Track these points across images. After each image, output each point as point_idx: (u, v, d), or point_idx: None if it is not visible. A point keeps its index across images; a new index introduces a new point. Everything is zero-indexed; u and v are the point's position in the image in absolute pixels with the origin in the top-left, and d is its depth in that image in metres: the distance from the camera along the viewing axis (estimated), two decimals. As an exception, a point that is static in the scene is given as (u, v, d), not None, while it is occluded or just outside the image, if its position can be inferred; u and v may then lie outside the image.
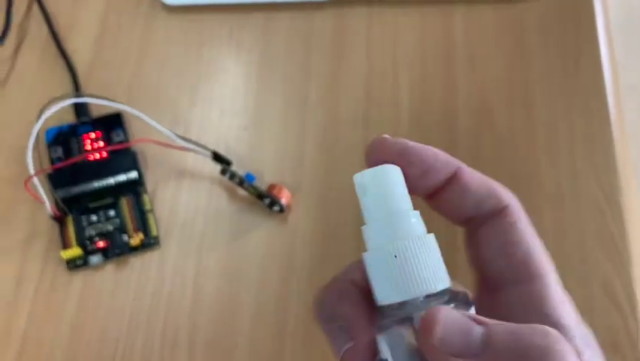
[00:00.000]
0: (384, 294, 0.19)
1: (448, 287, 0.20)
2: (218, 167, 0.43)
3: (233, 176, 0.42)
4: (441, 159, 0.21)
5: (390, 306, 0.19)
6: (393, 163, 0.21)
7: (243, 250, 0.42)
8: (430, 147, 0.22)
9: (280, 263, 0.42)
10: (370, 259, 0.20)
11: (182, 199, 0.43)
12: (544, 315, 0.20)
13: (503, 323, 0.18)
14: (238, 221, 0.43)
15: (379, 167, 0.21)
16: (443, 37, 0.51)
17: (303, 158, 0.45)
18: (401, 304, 0.19)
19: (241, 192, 0.43)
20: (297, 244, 0.42)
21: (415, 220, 0.20)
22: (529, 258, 0.21)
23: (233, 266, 0.41)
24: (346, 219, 0.43)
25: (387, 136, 0.22)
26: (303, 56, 0.49)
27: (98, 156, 0.42)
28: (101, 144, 0.43)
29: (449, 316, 0.18)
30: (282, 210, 0.42)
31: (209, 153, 0.42)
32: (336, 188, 0.44)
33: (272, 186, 0.42)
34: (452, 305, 0.19)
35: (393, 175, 0.21)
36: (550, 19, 0.52)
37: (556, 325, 0.20)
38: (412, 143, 0.21)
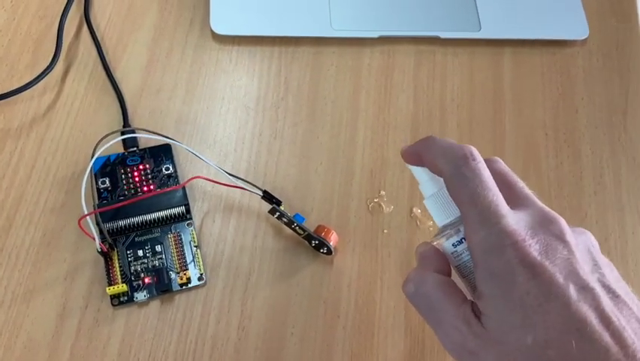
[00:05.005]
0: (441, 219, 0.31)
1: None
2: (265, 204, 0.42)
3: (282, 216, 0.41)
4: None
5: (444, 226, 0.30)
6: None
7: (289, 291, 0.41)
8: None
9: (325, 308, 0.41)
10: (429, 203, 0.31)
11: (229, 236, 0.42)
12: None
13: None
14: (283, 261, 0.42)
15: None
16: (491, 80, 0.51)
17: (349, 198, 0.45)
18: (450, 223, 0.30)
19: (286, 231, 0.43)
20: (342, 288, 0.42)
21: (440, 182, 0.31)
22: None
23: (278, 308, 0.41)
24: (393, 263, 0.43)
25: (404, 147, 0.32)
26: (352, 93, 0.49)
27: (146, 188, 0.42)
28: (149, 176, 0.43)
29: None
30: (329, 252, 0.42)
31: (259, 192, 0.42)
32: (384, 230, 0.44)
33: (320, 228, 0.42)
34: None
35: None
36: (596, 67, 0.52)
37: None
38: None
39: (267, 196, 0.42)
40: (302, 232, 0.41)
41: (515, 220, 0.26)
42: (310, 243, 0.42)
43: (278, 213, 0.41)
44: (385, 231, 0.44)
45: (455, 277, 0.30)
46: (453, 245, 0.29)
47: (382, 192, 0.45)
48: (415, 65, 0.50)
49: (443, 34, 0.51)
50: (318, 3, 0.51)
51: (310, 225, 0.42)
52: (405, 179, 0.46)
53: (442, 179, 0.30)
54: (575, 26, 0.53)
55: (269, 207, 0.41)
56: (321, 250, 0.42)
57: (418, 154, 0.31)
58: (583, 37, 0.52)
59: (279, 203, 0.42)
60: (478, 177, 0.27)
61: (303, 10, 0.50)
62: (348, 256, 0.43)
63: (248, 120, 0.47)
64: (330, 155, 0.46)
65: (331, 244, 0.41)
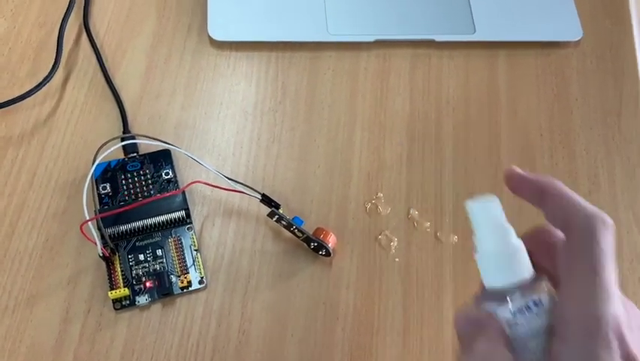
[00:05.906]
0: (498, 280, 0.27)
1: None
2: (264, 208, 0.43)
3: (280, 219, 0.42)
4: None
5: (498, 288, 0.26)
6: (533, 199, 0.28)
7: (288, 293, 0.42)
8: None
9: (325, 309, 0.42)
10: (489, 260, 0.27)
11: (229, 239, 0.43)
12: None
13: None
14: (282, 263, 0.43)
15: (486, 201, 0.28)
16: (486, 82, 0.51)
17: (347, 200, 0.45)
18: (509, 287, 0.26)
19: (285, 233, 0.43)
20: (341, 290, 0.42)
21: (508, 237, 0.27)
22: None
23: (278, 311, 0.41)
24: (391, 265, 0.43)
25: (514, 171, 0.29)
26: (349, 97, 0.49)
27: (146, 193, 0.42)
28: (150, 181, 0.43)
29: None
30: (328, 254, 0.42)
31: (258, 196, 0.42)
32: (382, 233, 0.44)
33: (319, 230, 0.42)
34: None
35: (495, 208, 0.28)
36: (590, 68, 0.53)
37: None
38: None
39: (266, 200, 0.42)
40: (301, 235, 0.42)
41: (622, 309, 0.25)
42: (309, 245, 0.42)
43: (277, 217, 0.42)
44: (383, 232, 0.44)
45: None
46: (512, 314, 0.26)
47: (380, 194, 0.46)
48: (410, 68, 0.51)
49: (438, 38, 0.51)
50: (315, 8, 0.51)
51: (309, 227, 0.43)
52: (402, 181, 0.46)
53: (509, 234, 0.27)
54: (568, 28, 0.53)
55: (268, 210, 0.42)
56: (320, 252, 0.43)
57: (539, 189, 0.28)
58: (577, 39, 0.53)
59: (277, 206, 0.42)
60: (610, 249, 0.26)
61: (299, 16, 0.51)
62: (346, 258, 0.43)
63: (246, 125, 0.47)
64: (327, 158, 0.47)
65: (330, 245, 0.42)
